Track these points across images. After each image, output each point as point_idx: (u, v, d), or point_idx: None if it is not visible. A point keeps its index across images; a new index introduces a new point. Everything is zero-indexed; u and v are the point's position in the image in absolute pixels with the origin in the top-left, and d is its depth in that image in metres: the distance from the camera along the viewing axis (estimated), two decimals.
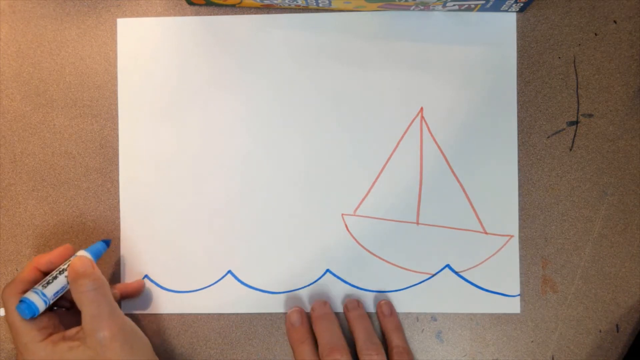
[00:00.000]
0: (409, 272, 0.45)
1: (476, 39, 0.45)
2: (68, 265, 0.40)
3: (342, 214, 0.45)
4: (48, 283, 0.39)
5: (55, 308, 0.42)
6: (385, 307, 0.44)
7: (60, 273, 0.40)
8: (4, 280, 0.46)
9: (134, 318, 0.45)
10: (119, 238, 0.46)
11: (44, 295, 0.38)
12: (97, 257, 0.42)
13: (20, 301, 0.38)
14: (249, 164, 0.45)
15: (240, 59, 0.45)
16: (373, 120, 0.45)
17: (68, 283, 0.40)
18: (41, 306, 0.38)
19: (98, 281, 0.39)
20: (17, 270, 0.46)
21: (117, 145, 0.46)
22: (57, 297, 0.39)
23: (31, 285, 0.39)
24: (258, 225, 0.45)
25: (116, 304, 0.40)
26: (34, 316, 0.38)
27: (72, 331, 0.39)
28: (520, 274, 0.44)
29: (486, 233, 0.44)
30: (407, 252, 0.45)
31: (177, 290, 0.45)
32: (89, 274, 0.39)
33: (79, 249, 0.42)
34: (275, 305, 0.45)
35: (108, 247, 0.44)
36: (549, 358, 0.44)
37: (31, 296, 0.38)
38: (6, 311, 0.38)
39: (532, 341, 0.44)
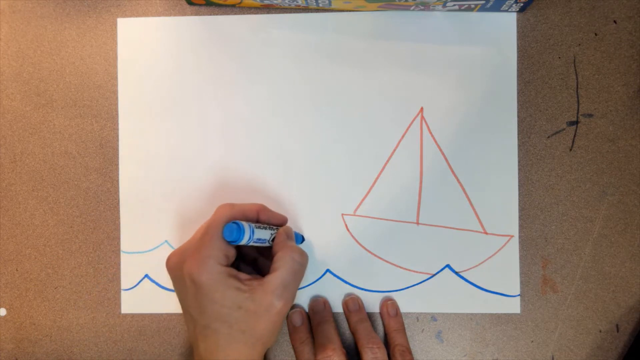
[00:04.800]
0: (409, 272, 0.45)
1: (476, 39, 0.45)
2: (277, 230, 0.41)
3: (342, 214, 0.45)
4: (259, 227, 0.39)
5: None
6: (391, 308, 0.44)
7: (270, 227, 0.41)
8: (4, 280, 0.46)
9: (135, 318, 0.45)
10: (119, 238, 0.46)
11: (253, 232, 0.38)
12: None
13: (233, 222, 0.38)
14: (249, 164, 0.45)
15: (240, 59, 0.45)
16: (373, 120, 0.45)
17: (270, 242, 0.40)
18: (246, 238, 0.38)
19: (306, 259, 0.40)
20: (17, 270, 0.46)
21: (117, 145, 0.46)
22: (256, 244, 0.39)
23: (243, 219, 0.40)
24: None
25: None
26: (233, 242, 0.37)
27: (245, 276, 0.38)
28: (520, 274, 0.44)
29: (486, 233, 0.44)
30: (407, 252, 0.45)
31: None
32: (301, 250, 0.40)
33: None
34: None
35: (302, 242, 0.45)
36: (549, 358, 0.44)
37: (244, 225, 0.38)
38: (212, 222, 0.38)
39: (532, 341, 0.44)
